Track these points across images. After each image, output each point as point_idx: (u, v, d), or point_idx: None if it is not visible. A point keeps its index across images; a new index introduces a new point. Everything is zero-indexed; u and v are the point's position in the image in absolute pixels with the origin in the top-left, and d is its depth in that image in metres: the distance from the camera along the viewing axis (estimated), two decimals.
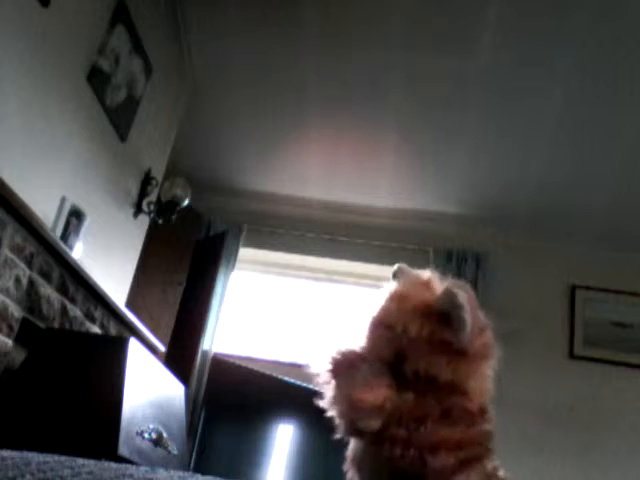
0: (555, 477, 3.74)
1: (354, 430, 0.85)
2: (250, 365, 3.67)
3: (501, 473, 0.88)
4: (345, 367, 0.90)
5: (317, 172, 4.17)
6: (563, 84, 3.11)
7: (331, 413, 0.88)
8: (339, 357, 0.92)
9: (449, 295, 0.89)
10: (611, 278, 4.19)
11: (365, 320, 0.95)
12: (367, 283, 4.56)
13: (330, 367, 0.91)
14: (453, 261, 4.20)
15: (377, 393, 0.84)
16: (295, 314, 4.43)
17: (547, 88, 3.15)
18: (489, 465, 0.87)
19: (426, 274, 0.99)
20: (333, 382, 0.90)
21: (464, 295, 0.88)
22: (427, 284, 0.96)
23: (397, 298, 0.94)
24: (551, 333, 4.13)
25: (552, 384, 3.99)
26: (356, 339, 0.94)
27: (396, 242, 4.35)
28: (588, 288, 4.18)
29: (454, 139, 3.65)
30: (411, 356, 0.87)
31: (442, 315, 0.88)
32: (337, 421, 0.87)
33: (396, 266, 1.00)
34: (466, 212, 4.25)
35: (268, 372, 3.49)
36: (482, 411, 0.90)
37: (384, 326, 0.91)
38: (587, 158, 3.63)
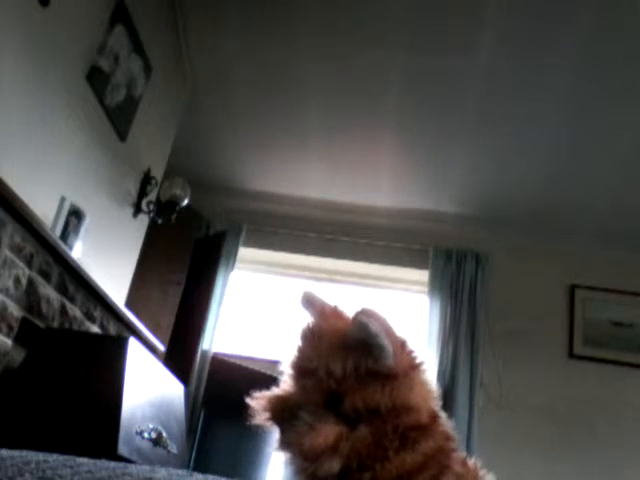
0: (555, 477, 3.75)
1: (315, 477, 0.82)
2: (250, 365, 3.67)
3: (471, 462, 0.89)
4: (281, 413, 0.89)
5: (317, 172, 4.17)
6: (563, 84, 3.11)
7: (283, 456, 0.86)
8: (274, 403, 0.90)
9: (360, 325, 0.87)
10: (611, 278, 4.20)
11: (285, 367, 0.93)
12: (367, 283, 4.56)
13: (267, 414, 0.90)
14: (453, 261, 4.20)
15: (326, 434, 0.82)
16: (294, 314, 4.43)
17: (547, 88, 3.15)
18: (457, 465, 0.87)
19: (332, 303, 0.98)
20: (275, 428, 0.89)
21: (375, 320, 0.86)
22: (337, 314, 0.94)
23: (311, 338, 0.92)
24: (551, 333, 4.13)
25: (552, 384, 4.00)
26: (283, 385, 0.93)
27: (396, 242, 4.36)
28: (588, 288, 4.18)
29: (454, 139, 3.65)
30: (345, 396, 0.85)
31: (360, 345, 0.86)
32: (292, 467, 0.84)
33: (303, 293, 0.97)
34: (466, 212, 4.25)
35: (268, 372, 3.49)
36: (433, 417, 0.89)
37: (306, 373, 0.88)
38: (587, 158, 3.63)
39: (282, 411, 0.89)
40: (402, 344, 0.91)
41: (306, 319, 0.96)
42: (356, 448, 0.81)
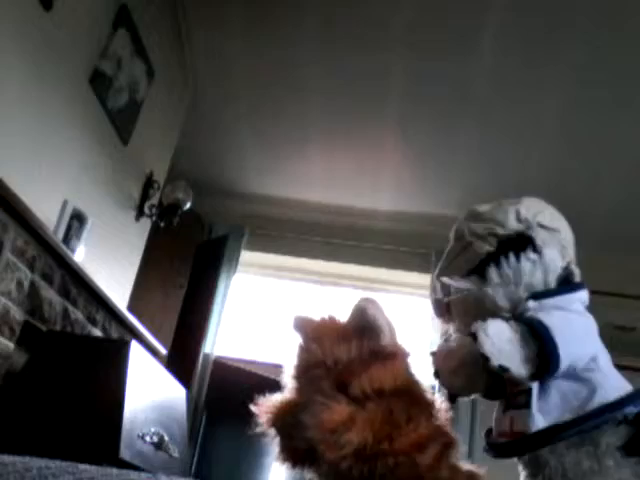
0: None
1: (336, 451, 0.85)
2: (252, 368, 3.66)
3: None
4: (284, 418, 0.93)
5: (319, 175, 4.17)
6: (565, 87, 3.11)
7: (302, 444, 0.89)
8: (277, 409, 0.95)
9: (359, 308, 0.96)
10: (612, 282, 4.18)
11: (288, 370, 0.99)
12: (369, 286, 4.56)
13: (270, 421, 0.94)
14: None
15: (340, 411, 0.86)
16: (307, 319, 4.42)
17: (548, 91, 3.15)
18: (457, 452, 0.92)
19: (325, 314, 1.04)
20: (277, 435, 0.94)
21: (371, 305, 0.95)
22: (331, 318, 1.01)
23: (313, 338, 0.98)
24: None
25: None
26: (286, 392, 0.98)
27: (398, 245, 4.35)
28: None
29: (455, 142, 3.65)
30: (352, 380, 0.90)
31: (360, 331, 0.94)
32: (315, 450, 0.87)
33: (294, 318, 1.04)
34: None
35: (270, 375, 3.49)
36: (432, 397, 0.96)
37: (313, 367, 0.94)
38: (588, 161, 3.63)
39: (284, 416, 0.92)
40: (395, 331, 0.99)
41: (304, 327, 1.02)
42: (370, 423, 0.86)
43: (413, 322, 4.36)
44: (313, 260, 4.44)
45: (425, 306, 4.26)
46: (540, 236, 1.20)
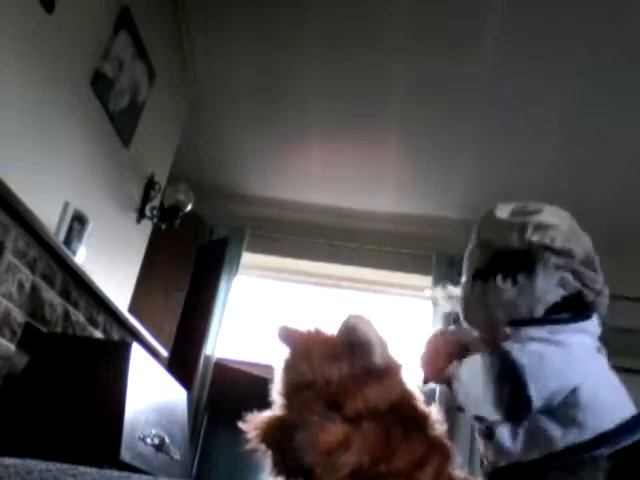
0: None
1: (333, 473, 0.84)
2: (253, 370, 3.66)
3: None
4: (274, 435, 0.92)
5: (320, 177, 4.17)
6: (566, 89, 3.11)
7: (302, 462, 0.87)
8: (267, 425, 0.93)
9: (348, 325, 0.94)
10: (615, 284, 4.17)
11: (276, 388, 0.97)
12: (369, 288, 4.56)
13: (261, 437, 0.92)
14: (455, 266, 4.18)
15: (336, 432, 0.84)
16: (298, 319, 4.42)
17: (550, 93, 3.15)
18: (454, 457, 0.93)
19: (311, 327, 1.03)
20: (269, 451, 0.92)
21: (361, 321, 0.93)
22: (317, 331, 1.00)
23: (301, 356, 0.96)
24: None
25: None
26: (275, 408, 0.96)
27: (399, 247, 4.35)
28: None
29: (457, 144, 3.65)
30: (346, 400, 0.88)
31: (350, 347, 0.91)
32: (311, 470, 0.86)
33: (279, 328, 1.04)
34: (469, 217, 4.23)
35: (271, 378, 3.48)
36: (427, 411, 0.95)
37: (302, 387, 0.92)
38: (589, 163, 3.62)
39: (274, 432, 0.90)
40: (387, 345, 0.97)
41: (290, 343, 1.00)
42: (365, 444, 0.84)
43: (413, 324, 4.35)
44: (314, 262, 4.44)
45: (425, 308, 4.25)
46: (543, 260, 1.12)
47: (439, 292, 1.30)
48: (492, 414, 1.00)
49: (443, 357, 1.15)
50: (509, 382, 1.00)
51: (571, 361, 1.06)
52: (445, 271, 4.18)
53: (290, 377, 0.95)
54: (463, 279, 1.24)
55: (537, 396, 0.99)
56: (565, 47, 2.88)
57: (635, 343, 4.08)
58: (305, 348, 0.96)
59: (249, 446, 0.93)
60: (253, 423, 0.95)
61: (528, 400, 0.99)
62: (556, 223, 1.17)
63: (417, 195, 4.20)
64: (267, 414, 0.96)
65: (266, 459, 0.92)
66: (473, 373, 1.02)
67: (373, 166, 3.98)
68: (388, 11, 2.86)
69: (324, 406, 0.88)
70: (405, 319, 4.42)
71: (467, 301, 1.20)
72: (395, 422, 0.88)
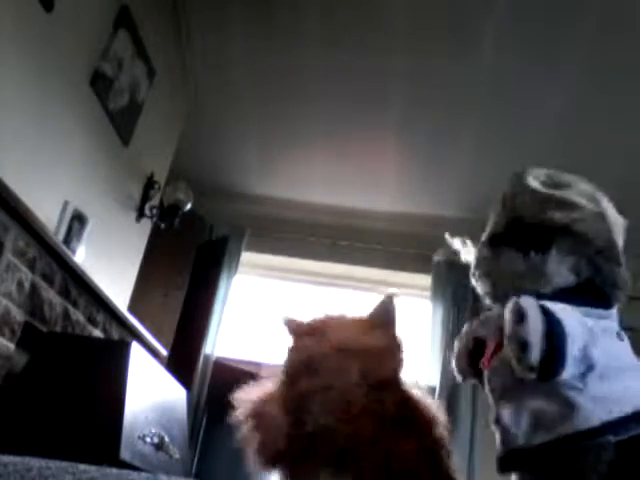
0: None
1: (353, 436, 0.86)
2: (252, 369, 3.66)
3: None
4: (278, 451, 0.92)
5: (319, 176, 4.17)
6: (564, 88, 3.11)
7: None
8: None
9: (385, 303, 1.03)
10: None
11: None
12: (369, 287, 4.56)
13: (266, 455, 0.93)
14: (455, 266, 4.18)
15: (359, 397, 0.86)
16: (298, 318, 4.42)
17: (548, 92, 3.15)
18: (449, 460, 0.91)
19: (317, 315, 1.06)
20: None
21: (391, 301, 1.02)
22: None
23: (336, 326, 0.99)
24: None
25: None
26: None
27: (399, 246, 4.35)
28: None
29: (456, 143, 3.65)
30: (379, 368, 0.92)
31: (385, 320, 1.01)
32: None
33: (284, 318, 1.06)
34: (469, 216, 4.24)
35: (270, 377, 3.48)
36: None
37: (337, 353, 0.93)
38: (588, 163, 3.61)
39: (269, 407, 0.90)
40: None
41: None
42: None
43: (412, 323, 4.36)
44: (313, 261, 4.44)
45: (424, 307, 4.26)
46: (560, 241, 1.06)
47: (458, 243, 1.29)
48: (534, 369, 0.92)
49: (465, 356, 1.15)
50: (548, 342, 0.92)
51: (594, 340, 0.98)
52: (445, 270, 4.18)
53: (337, 340, 0.95)
54: (482, 237, 1.21)
55: (570, 361, 0.92)
56: (564, 48, 2.88)
57: (635, 343, 4.07)
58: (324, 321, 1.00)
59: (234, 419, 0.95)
60: (244, 397, 0.97)
61: (560, 370, 0.92)
62: (582, 204, 1.10)
63: (417, 194, 4.20)
64: (258, 389, 0.98)
65: (248, 439, 0.93)
66: (536, 317, 0.94)
67: (373, 165, 3.98)
68: (388, 11, 2.86)
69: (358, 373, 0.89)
70: (405, 318, 4.42)
71: (478, 260, 1.17)
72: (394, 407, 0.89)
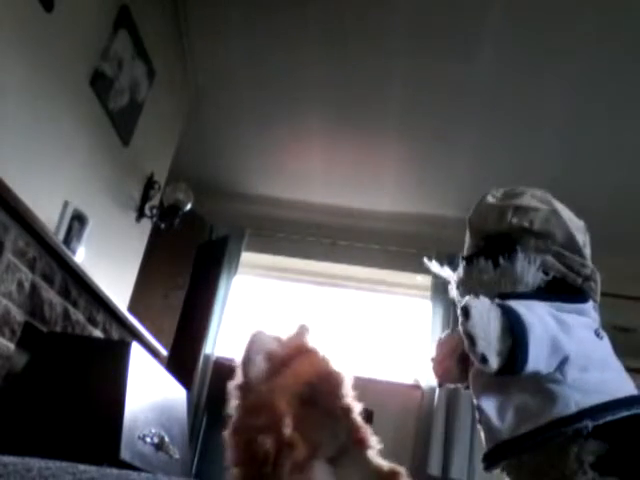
0: None
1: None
2: None
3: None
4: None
5: (319, 176, 4.17)
6: (564, 88, 3.11)
7: None
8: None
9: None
10: (613, 283, 4.17)
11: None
12: (369, 287, 4.56)
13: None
14: (456, 265, 4.18)
15: None
16: (297, 318, 4.42)
17: (548, 93, 3.15)
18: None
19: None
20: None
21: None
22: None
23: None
24: None
25: None
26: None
27: (398, 246, 4.35)
28: None
29: (455, 143, 3.65)
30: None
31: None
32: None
33: (255, 331, 1.08)
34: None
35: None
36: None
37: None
38: (588, 164, 3.62)
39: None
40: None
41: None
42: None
43: (412, 323, 4.36)
44: (313, 261, 4.44)
45: (424, 307, 4.26)
46: (523, 243, 1.15)
47: (436, 266, 1.34)
48: (494, 363, 0.97)
49: (451, 357, 1.16)
50: (510, 336, 0.98)
51: (567, 332, 1.04)
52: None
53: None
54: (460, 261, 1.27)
55: (533, 358, 0.97)
56: (564, 49, 2.88)
57: (635, 342, 4.08)
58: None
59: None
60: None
61: (525, 359, 0.97)
62: (536, 206, 1.20)
63: (417, 194, 4.20)
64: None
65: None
66: (486, 310, 1.01)
67: (373, 165, 3.98)
68: (388, 11, 2.86)
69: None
70: (405, 318, 4.43)
71: (458, 281, 1.25)
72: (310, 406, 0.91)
